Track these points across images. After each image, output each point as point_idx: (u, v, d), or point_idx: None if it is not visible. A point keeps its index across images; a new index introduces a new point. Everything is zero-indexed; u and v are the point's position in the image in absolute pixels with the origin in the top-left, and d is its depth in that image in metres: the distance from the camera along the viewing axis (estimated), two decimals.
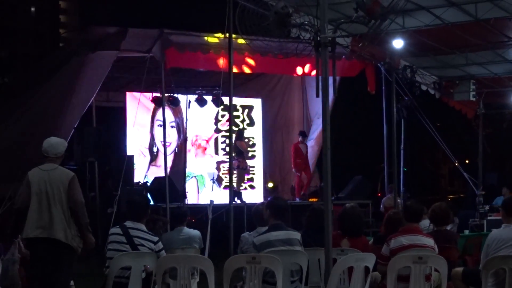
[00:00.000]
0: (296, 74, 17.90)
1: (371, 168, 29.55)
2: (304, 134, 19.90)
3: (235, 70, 16.15)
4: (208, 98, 18.69)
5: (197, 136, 19.85)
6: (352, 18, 8.86)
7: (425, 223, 9.64)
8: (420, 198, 17.91)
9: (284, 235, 7.69)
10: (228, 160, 17.83)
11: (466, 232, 15.00)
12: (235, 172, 18.06)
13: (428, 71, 18.34)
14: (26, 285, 8.21)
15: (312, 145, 20.68)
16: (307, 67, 17.47)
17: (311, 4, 8.78)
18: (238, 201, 17.22)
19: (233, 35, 13.67)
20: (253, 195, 20.11)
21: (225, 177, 18.94)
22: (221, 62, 15.34)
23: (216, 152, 20.13)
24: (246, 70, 16.72)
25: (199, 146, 19.99)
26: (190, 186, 19.10)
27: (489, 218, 15.70)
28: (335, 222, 8.96)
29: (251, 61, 16.50)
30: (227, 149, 18.48)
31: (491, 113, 21.83)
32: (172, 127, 19.31)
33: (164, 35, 15.07)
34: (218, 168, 19.90)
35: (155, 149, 19.37)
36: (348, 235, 8.47)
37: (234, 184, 15.94)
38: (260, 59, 16.14)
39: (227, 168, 18.78)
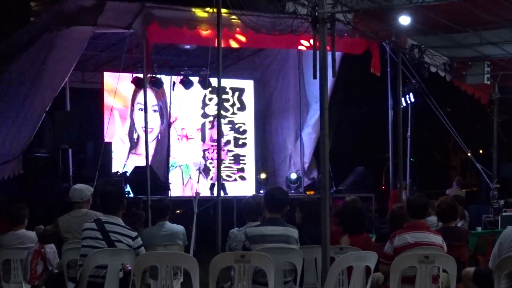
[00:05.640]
0: (296, 48, 17.78)
1: (375, 158, 29.64)
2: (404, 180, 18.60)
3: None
4: (195, 79, 18.67)
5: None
6: None
7: (432, 219, 9.65)
8: (428, 191, 17.90)
9: (282, 231, 7.68)
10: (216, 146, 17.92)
11: (479, 229, 15.05)
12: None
13: (438, 51, 18.32)
14: (35, 276, 9.10)
15: (309, 132, 20.63)
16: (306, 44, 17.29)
17: None
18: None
19: (223, 10, 13.65)
20: (244, 187, 20.13)
21: (213, 167, 18.91)
22: (209, 36, 15.20)
23: (203, 140, 20.09)
24: (237, 44, 16.58)
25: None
26: (174, 177, 19.11)
27: (504, 214, 15.73)
28: (333, 217, 8.95)
29: (242, 38, 16.41)
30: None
31: (507, 98, 21.83)
32: (155, 111, 19.30)
33: (145, 9, 15.01)
34: (204, 157, 19.85)
35: (135, 136, 19.36)
36: (349, 231, 8.48)
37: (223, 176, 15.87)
38: (252, 36, 16.06)
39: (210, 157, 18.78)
